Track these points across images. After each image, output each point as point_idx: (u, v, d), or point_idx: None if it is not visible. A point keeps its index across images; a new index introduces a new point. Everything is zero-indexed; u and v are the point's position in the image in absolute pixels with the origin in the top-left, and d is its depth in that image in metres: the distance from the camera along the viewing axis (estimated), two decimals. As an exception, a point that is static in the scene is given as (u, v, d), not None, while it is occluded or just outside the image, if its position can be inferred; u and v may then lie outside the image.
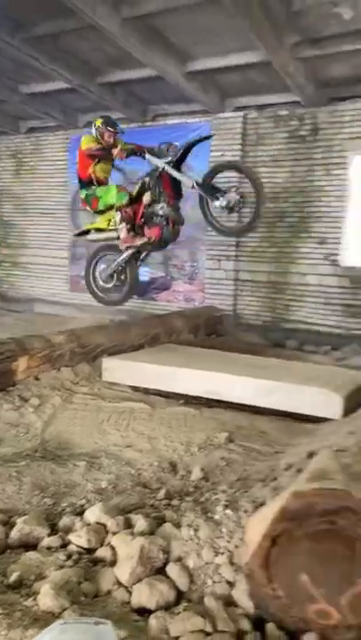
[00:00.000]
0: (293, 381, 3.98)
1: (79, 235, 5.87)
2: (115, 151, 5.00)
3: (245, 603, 1.74)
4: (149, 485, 2.88)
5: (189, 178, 4.95)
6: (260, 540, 1.70)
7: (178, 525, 2.11)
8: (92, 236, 5.56)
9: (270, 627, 1.66)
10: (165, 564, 1.96)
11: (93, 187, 5.22)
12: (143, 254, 5.56)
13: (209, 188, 4.87)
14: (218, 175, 5.12)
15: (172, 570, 1.91)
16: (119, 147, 5.05)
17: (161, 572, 1.93)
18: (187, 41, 6.26)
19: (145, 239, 5.12)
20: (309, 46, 5.98)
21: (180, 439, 3.53)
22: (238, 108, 7.97)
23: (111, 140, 5.16)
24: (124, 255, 5.31)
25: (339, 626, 1.59)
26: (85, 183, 5.28)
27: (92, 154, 5.09)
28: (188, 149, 4.94)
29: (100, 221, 5.37)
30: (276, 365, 4.71)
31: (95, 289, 5.72)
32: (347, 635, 1.59)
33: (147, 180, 5.09)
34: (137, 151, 5.12)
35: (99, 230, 5.42)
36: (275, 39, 5.70)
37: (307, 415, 3.87)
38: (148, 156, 5.02)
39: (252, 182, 4.79)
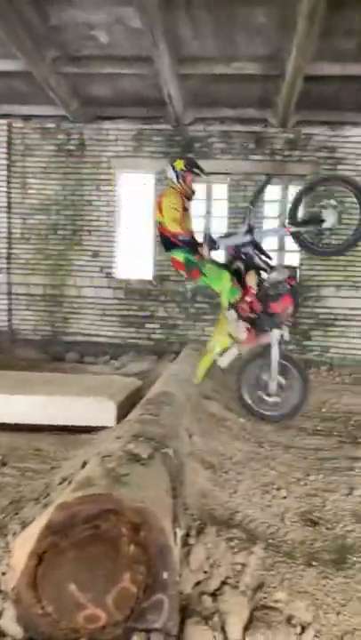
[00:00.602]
0: (68, 394, 3.99)
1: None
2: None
3: (13, 629, 1.67)
4: None
5: (279, 228, 4.36)
6: (27, 559, 1.65)
7: None
8: (224, 361, 4.36)
9: (40, 646, 1.63)
10: None
11: (198, 254, 4.19)
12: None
13: (302, 223, 4.26)
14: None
15: None
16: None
17: None
18: None
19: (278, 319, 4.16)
20: (70, 63, 6.13)
21: None
22: (3, 116, 7.69)
23: (193, 187, 4.38)
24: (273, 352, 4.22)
25: (106, 625, 1.65)
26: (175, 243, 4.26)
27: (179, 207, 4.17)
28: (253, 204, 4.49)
29: (220, 342, 4.30)
30: (52, 379, 4.66)
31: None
32: (114, 632, 1.65)
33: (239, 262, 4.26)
34: None
35: (224, 352, 4.32)
36: (34, 51, 5.69)
37: (85, 426, 3.92)
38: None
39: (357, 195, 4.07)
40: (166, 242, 4.28)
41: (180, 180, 4.25)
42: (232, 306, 4.10)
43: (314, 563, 2.32)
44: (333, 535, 2.64)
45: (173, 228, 4.09)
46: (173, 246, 4.23)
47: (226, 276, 4.10)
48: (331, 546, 2.53)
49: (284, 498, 3.02)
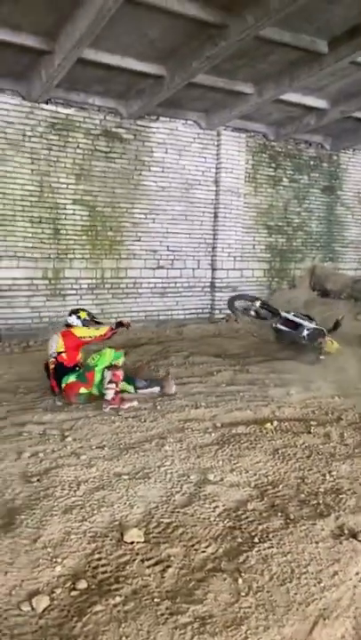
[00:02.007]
0: None
1: None
2: None
3: None
4: None
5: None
6: None
7: None
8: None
9: None
10: None
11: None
12: None
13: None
14: None
15: None
16: None
17: None
18: None
19: None
20: None
21: None
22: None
23: None
24: None
25: None
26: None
27: None
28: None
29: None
30: None
31: None
32: None
33: None
34: None
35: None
36: None
37: None
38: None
39: None
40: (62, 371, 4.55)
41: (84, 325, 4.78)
42: (112, 367, 4.43)
43: (-19, 534, 2.33)
44: (3, 501, 2.71)
45: (86, 334, 4.66)
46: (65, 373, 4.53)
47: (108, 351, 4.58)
48: (1, 512, 2.59)
49: None
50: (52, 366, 4.57)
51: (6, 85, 6.90)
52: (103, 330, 4.74)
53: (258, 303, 6.28)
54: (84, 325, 4.77)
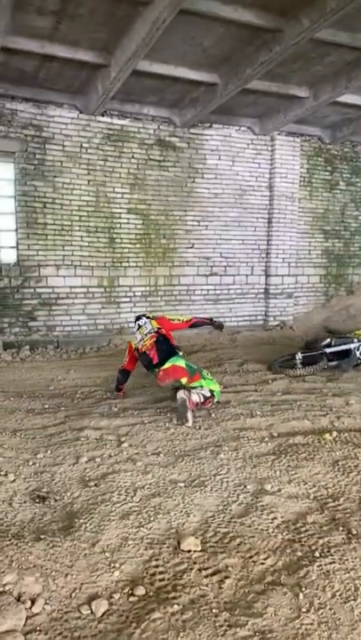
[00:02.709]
0: None
1: None
2: None
3: None
4: None
5: None
6: None
7: None
8: None
9: None
10: None
11: None
12: None
13: None
14: None
15: None
16: None
17: None
18: None
19: None
20: None
21: None
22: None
23: None
24: None
25: None
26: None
27: None
28: None
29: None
30: None
31: None
32: None
33: None
34: None
35: None
36: None
37: None
38: None
39: None
40: (167, 346, 4.53)
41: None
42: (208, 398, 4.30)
43: (42, 536, 2.39)
44: (62, 505, 2.76)
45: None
46: (172, 353, 4.45)
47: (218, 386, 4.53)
48: (59, 515, 2.65)
49: (13, 482, 2.99)
50: (152, 340, 4.56)
51: (64, 100, 7.15)
52: (188, 317, 4.92)
53: (299, 355, 5.85)
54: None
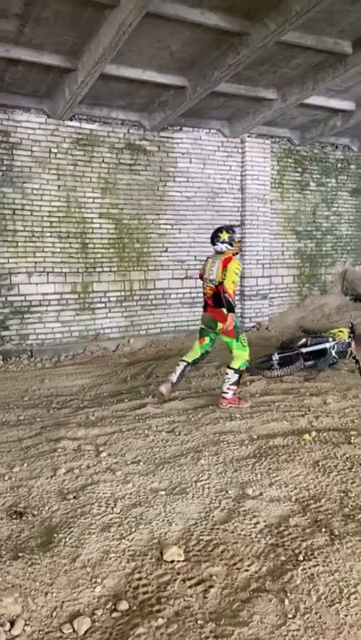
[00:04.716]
0: None
1: None
2: None
3: None
4: None
5: None
6: None
7: None
8: None
9: None
10: None
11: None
12: None
13: None
14: None
15: None
16: None
17: None
18: None
19: None
20: None
21: None
22: None
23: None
24: None
25: None
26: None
27: None
28: None
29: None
30: None
31: None
32: None
33: None
34: None
35: None
36: None
37: None
38: None
39: None
40: (219, 300, 4.58)
41: (232, 245, 4.68)
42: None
43: (20, 554, 2.31)
44: (40, 519, 2.69)
45: (230, 289, 4.54)
46: (222, 305, 4.58)
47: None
48: (38, 531, 2.58)
49: (-12, 498, 2.90)
50: (210, 292, 4.64)
51: (32, 104, 7.03)
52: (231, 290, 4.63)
53: (275, 356, 5.88)
54: (230, 244, 4.66)
